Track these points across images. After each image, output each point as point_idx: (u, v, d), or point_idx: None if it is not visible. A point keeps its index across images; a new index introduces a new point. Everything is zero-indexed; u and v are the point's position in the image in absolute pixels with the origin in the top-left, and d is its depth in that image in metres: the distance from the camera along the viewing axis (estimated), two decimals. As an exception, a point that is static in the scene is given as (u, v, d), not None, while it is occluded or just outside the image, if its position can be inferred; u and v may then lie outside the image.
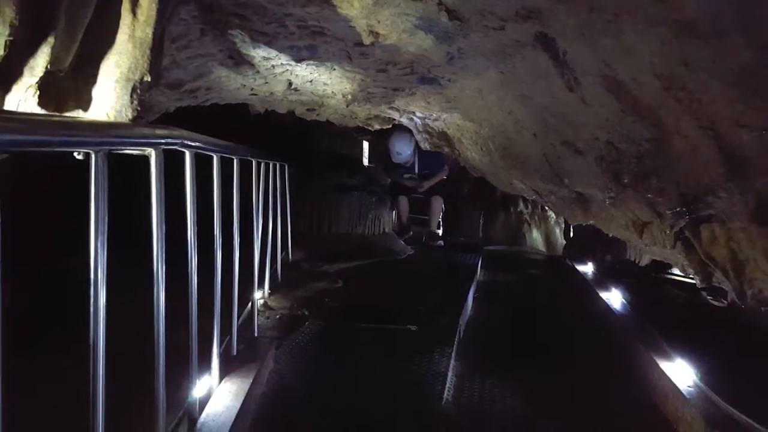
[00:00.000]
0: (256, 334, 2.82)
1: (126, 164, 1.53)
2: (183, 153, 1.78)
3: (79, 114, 1.47)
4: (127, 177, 2.15)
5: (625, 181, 2.45)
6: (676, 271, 4.57)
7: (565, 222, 7.09)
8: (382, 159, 6.84)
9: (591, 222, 3.31)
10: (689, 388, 2.37)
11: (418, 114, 4.05)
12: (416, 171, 6.48)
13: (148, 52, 1.49)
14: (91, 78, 1.48)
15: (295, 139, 5.80)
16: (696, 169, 2.04)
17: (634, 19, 1.61)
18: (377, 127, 4.75)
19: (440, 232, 7.21)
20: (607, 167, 2.51)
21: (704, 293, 3.83)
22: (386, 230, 6.25)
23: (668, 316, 3.58)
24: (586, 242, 5.90)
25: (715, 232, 2.18)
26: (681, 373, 2.49)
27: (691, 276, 2.68)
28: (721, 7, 1.42)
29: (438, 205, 6.73)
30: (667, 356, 2.69)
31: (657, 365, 2.63)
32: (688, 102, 1.80)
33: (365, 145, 7.25)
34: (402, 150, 6.05)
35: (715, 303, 3.78)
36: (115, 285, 1.27)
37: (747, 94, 1.63)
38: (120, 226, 1.66)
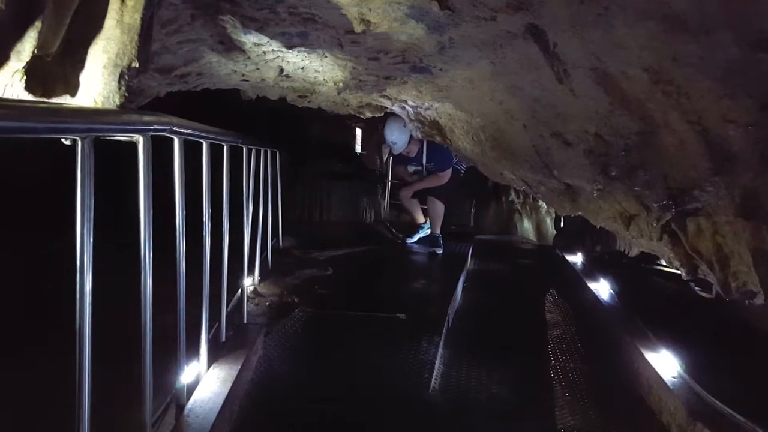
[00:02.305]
0: (245, 321, 2.83)
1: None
2: (172, 139, 1.78)
3: (66, 99, 1.46)
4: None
5: (613, 173, 2.47)
6: (664, 262, 4.61)
7: (556, 212, 7.09)
8: (386, 150, 6.26)
9: (579, 213, 3.32)
10: (673, 379, 2.40)
11: (410, 103, 4.03)
12: (423, 163, 5.63)
13: (136, 37, 1.48)
14: (79, 63, 1.47)
15: (287, 126, 5.78)
16: (683, 162, 2.05)
17: (624, 12, 1.61)
18: (369, 115, 4.73)
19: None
20: (595, 159, 2.52)
21: (692, 284, 3.87)
22: (377, 218, 6.26)
23: (655, 307, 3.62)
24: (576, 232, 5.93)
25: (701, 225, 2.20)
26: (665, 363, 2.53)
27: (677, 268, 2.70)
28: (710, 3, 1.42)
29: (435, 208, 5.60)
30: (653, 347, 2.73)
31: (642, 355, 2.66)
32: (676, 96, 1.81)
33: (358, 132, 7.22)
34: (397, 140, 5.31)
35: (703, 294, 3.82)
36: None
37: (734, 90, 1.64)
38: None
